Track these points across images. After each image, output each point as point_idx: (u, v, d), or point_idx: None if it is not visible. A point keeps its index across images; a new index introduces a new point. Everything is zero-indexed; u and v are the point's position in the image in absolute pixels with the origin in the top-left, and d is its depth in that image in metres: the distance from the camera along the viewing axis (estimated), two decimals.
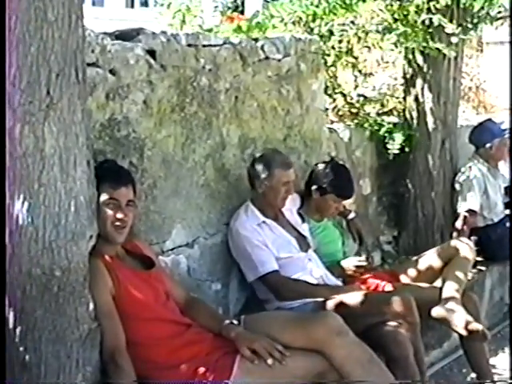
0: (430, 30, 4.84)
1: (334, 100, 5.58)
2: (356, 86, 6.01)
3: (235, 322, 2.93)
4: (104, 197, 2.69)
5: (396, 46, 5.00)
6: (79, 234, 2.38)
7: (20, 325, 2.37)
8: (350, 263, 3.87)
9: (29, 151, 2.25)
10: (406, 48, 4.97)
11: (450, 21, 4.82)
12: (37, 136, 2.25)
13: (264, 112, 4.05)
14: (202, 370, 2.72)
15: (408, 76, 5.39)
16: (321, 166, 4.08)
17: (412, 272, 4.12)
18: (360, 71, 6.06)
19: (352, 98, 5.79)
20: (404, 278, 4.11)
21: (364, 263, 3.85)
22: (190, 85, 3.48)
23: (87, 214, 2.41)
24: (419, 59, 5.13)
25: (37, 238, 2.31)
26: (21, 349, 2.38)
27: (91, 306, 2.52)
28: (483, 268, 5.02)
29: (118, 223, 2.73)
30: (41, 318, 2.37)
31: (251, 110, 3.94)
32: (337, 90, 5.61)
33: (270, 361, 2.71)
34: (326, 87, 5.04)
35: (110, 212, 2.71)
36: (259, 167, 3.67)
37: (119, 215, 2.72)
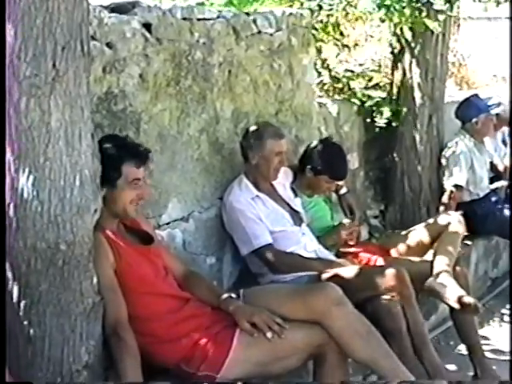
0: (418, 5, 4.84)
1: (320, 74, 5.56)
2: (340, 61, 6.02)
3: (233, 295, 2.95)
4: (129, 176, 2.71)
5: (383, 21, 5.01)
6: (84, 207, 2.38)
7: (24, 299, 2.37)
8: (340, 230, 3.92)
9: (34, 124, 2.23)
10: (394, 23, 4.98)
11: None
12: (43, 109, 2.23)
13: (256, 86, 4.04)
14: (201, 343, 2.75)
15: (396, 51, 5.40)
16: (315, 145, 4.08)
17: (402, 246, 4.17)
18: (345, 46, 6.07)
19: (338, 73, 5.78)
20: (394, 252, 4.16)
21: (353, 227, 3.90)
22: (184, 58, 3.46)
23: (92, 187, 2.41)
24: (407, 35, 5.13)
25: (42, 212, 2.30)
26: (25, 323, 2.38)
27: (95, 280, 2.53)
28: (469, 242, 5.07)
29: (138, 201, 2.79)
30: (45, 292, 2.37)
31: (244, 84, 3.94)
32: (320, 65, 5.59)
33: (269, 334, 2.74)
34: (316, 62, 5.04)
35: (134, 191, 2.74)
36: (252, 138, 3.69)
37: (141, 193, 2.77)
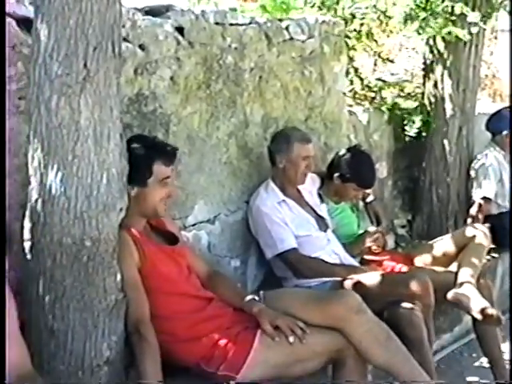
0: (453, 18, 4.82)
1: (352, 83, 5.57)
2: (374, 70, 6.01)
3: (256, 297, 2.96)
4: (159, 175, 2.76)
5: (418, 33, 4.99)
6: (110, 205, 2.40)
7: (49, 293, 2.41)
8: (365, 238, 3.91)
9: (64, 122, 2.27)
10: (428, 34, 4.96)
11: (473, 9, 4.81)
12: (73, 108, 2.26)
13: (287, 92, 4.06)
14: (222, 343, 2.76)
15: (428, 62, 5.38)
16: (344, 153, 4.09)
17: (427, 256, 4.15)
18: (379, 55, 6.07)
19: (370, 82, 5.78)
20: (418, 262, 4.14)
21: (379, 235, 3.89)
22: (216, 62, 3.50)
23: (119, 186, 2.43)
24: (440, 46, 5.11)
25: (69, 209, 2.33)
26: (49, 317, 2.42)
27: (119, 277, 2.55)
28: (495, 255, 5.02)
29: (167, 200, 2.84)
30: (70, 287, 2.41)
31: (274, 89, 3.96)
32: (353, 74, 5.59)
33: (291, 338, 2.74)
34: (348, 70, 5.04)
35: (163, 189, 2.79)
36: (279, 142, 3.71)
37: (170, 191, 2.82)
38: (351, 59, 5.51)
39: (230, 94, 3.62)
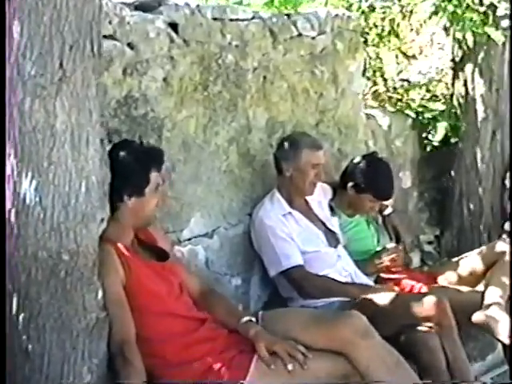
0: (482, 11, 4.86)
1: (375, 84, 5.62)
2: (400, 71, 6.06)
3: (253, 319, 3.00)
4: (155, 182, 2.87)
5: (445, 28, 5.04)
6: (89, 216, 2.47)
7: (23, 311, 2.45)
8: (382, 255, 3.95)
9: (39, 126, 2.33)
10: (456, 29, 5.00)
11: None
12: (48, 111, 2.33)
13: (295, 94, 4.13)
14: (215, 367, 2.80)
15: (457, 59, 5.40)
16: (359, 161, 4.14)
17: (451, 274, 4.18)
18: (404, 53, 6.12)
19: (395, 82, 5.83)
20: (442, 281, 4.17)
21: (397, 253, 3.92)
22: (214, 62, 3.57)
23: (99, 195, 2.50)
24: (470, 41, 5.13)
25: (44, 219, 2.39)
26: (24, 337, 2.46)
27: (100, 293, 2.61)
28: None
29: (156, 208, 2.96)
30: (46, 305, 2.45)
31: (281, 91, 4.02)
32: (378, 73, 5.65)
33: (290, 366, 2.78)
34: (365, 69, 5.09)
35: (156, 197, 2.90)
36: (286, 148, 3.77)
37: (161, 198, 2.96)
38: (378, 57, 5.57)
39: (231, 96, 3.69)
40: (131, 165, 2.76)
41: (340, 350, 2.87)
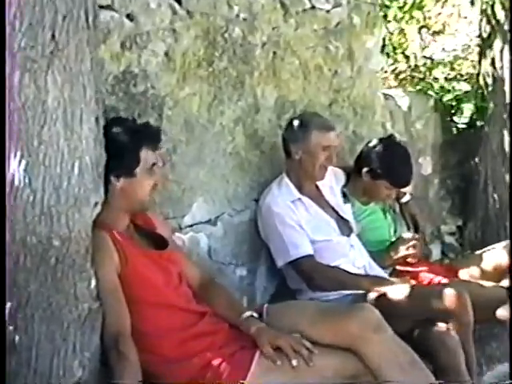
0: None
1: (395, 61, 5.62)
2: (423, 48, 6.05)
3: (255, 314, 3.00)
4: (148, 162, 2.85)
5: (472, 1, 5.03)
6: (83, 199, 2.48)
7: (10, 300, 2.46)
8: (398, 246, 3.96)
9: (29, 103, 2.34)
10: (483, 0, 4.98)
11: None
12: (38, 86, 2.34)
13: (307, 72, 4.13)
14: (215, 363, 2.81)
15: (485, 35, 5.38)
16: (375, 144, 4.15)
17: (474, 268, 4.18)
18: (428, 29, 6.10)
19: (417, 60, 5.82)
20: (464, 275, 4.18)
21: (414, 243, 3.92)
22: (220, 36, 3.57)
23: (93, 177, 2.51)
24: (499, 14, 5.10)
25: (34, 203, 2.40)
26: (10, 328, 2.47)
27: (93, 282, 2.63)
28: None
29: (153, 190, 2.93)
30: (35, 294, 2.47)
31: (292, 68, 4.03)
32: (398, 50, 5.65)
33: (294, 361, 2.78)
34: (384, 45, 5.09)
35: (151, 178, 2.89)
36: (295, 129, 3.78)
37: (157, 180, 2.93)
38: (399, 33, 5.56)
39: (237, 73, 3.70)
40: (120, 142, 2.73)
41: (349, 346, 2.87)
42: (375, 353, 2.86)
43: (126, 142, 2.78)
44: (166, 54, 3.33)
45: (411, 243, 3.97)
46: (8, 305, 2.47)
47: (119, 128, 2.80)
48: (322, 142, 3.74)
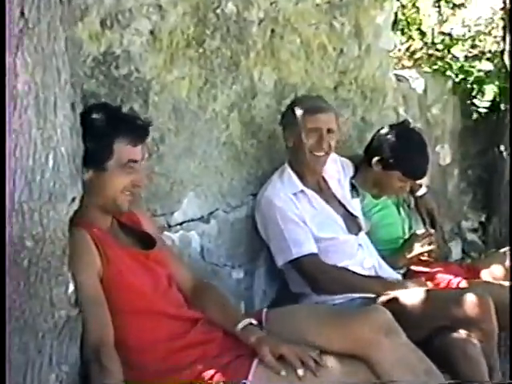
0: None
1: (409, 38, 5.62)
2: (442, 22, 6.03)
3: (254, 321, 3.00)
4: (123, 157, 2.81)
5: None
6: (58, 194, 2.46)
7: None
8: (413, 244, 3.96)
9: None
10: None
11: None
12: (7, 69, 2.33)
13: (309, 51, 4.14)
14: (207, 375, 2.80)
15: (509, 7, 5.37)
16: (387, 131, 4.15)
17: (498, 268, 4.20)
18: (446, 1, 6.10)
19: (434, 37, 5.82)
20: (487, 275, 4.19)
21: (430, 240, 3.93)
22: (211, 12, 3.57)
23: (69, 170, 2.50)
24: None
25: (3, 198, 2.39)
26: None
27: (71, 287, 2.61)
28: None
29: (132, 189, 2.88)
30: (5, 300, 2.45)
31: (292, 47, 4.04)
32: (412, 26, 5.64)
33: (300, 371, 2.78)
34: (396, 21, 5.08)
35: (128, 176, 2.84)
36: (286, 115, 3.82)
37: (136, 179, 2.87)
38: (413, 5, 5.55)
39: (231, 53, 3.70)
40: (93, 130, 2.70)
41: (359, 353, 2.86)
42: (387, 359, 2.86)
43: (99, 130, 2.75)
44: (152, 32, 3.32)
45: (427, 240, 3.97)
46: None
47: (96, 115, 2.79)
48: (307, 125, 3.74)
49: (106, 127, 2.78)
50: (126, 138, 2.82)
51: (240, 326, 2.96)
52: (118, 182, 2.83)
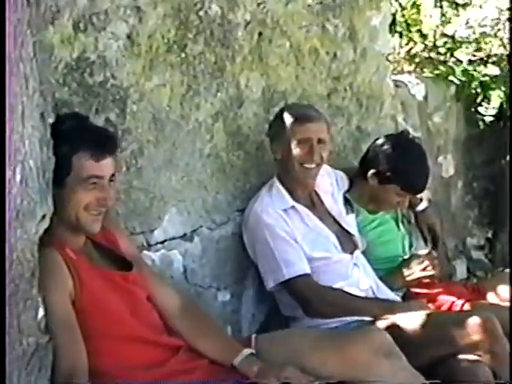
0: None
1: (409, 41, 5.63)
2: (446, 23, 6.04)
3: (253, 351, 3.01)
4: (82, 172, 2.79)
5: None
6: (26, 212, 2.45)
7: None
8: (413, 265, 3.96)
9: None
10: None
11: None
12: None
13: (300, 56, 4.15)
14: None
15: None
16: (383, 142, 4.15)
17: (504, 288, 4.19)
18: (449, 1, 6.11)
19: (436, 39, 5.83)
20: (492, 297, 4.19)
21: (431, 261, 3.93)
22: (194, 14, 3.57)
23: (38, 185, 2.49)
24: None
25: None
26: None
27: (41, 312, 2.60)
28: None
29: (98, 208, 2.84)
30: None
31: (282, 52, 4.05)
32: (413, 27, 5.65)
33: None
34: (394, 22, 5.09)
35: (89, 193, 2.81)
36: (274, 125, 3.83)
37: (102, 196, 2.83)
38: (413, 5, 5.56)
39: (216, 58, 3.71)
40: (58, 143, 2.66)
41: (355, 378, 2.89)
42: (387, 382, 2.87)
43: (60, 142, 2.70)
44: (129, 36, 3.32)
45: (428, 262, 3.97)
46: None
47: (62, 126, 2.77)
48: (296, 135, 3.74)
49: (66, 139, 2.75)
50: (86, 151, 2.79)
51: (239, 358, 2.96)
52: (78, 200, 2.80)
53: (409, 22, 5.69)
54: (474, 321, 3.41)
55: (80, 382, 2.68)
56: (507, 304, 3.97)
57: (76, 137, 2.79)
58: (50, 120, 2.62)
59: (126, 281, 2.98)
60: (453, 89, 5.33)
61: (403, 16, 5.62)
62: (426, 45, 5.76)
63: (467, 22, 6.21)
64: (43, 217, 2.55)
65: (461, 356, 3.42)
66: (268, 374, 2.87)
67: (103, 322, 2.83)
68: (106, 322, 2.84)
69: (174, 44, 3.52)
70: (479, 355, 3.41)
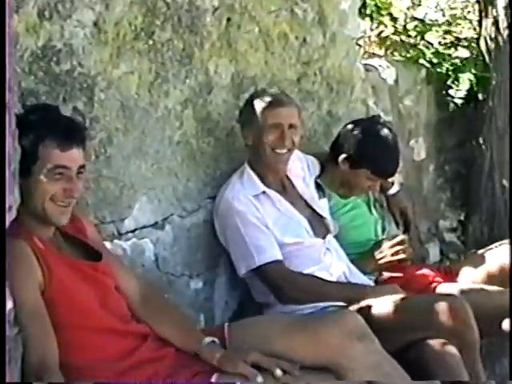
0: None
1: (380, 24, 5.62)
2: (417, 5, 6.04)
3: (216, 340, 3.00)
4: (48, 162, 2.76)
5: None
6: None
7: None
8: (383, 249, 3.99)
9: None
10: None
11: None
12: None
13: (269, 41, 4.14)
14: None
15: None
16: (354, 126, 4.16)
17: (476, 271, 4.22)
18: None
19: (406, 22, 5.83)
20: (464, 279, 4.21)
21: (402, 243, 3.94)
22: (161, 1, 3.54)
23: (4, 176, 2.48)
24: None
25: None
26: None
27: (9, 304, 2.58)
28: None
29: (65, 199, 2.81)
30: None
31: (250, 37, 4.03)
32: (383, 11, 5.65)
33: (278, 371, 2.79)
34: (364, 6, 5.09)
35: (56, 184, 2.78)
36: (244, 111, 3.84)
37: (68, 187, 2.80)
38: None
39: (184, 45, 3.68)
40: (22, 133, 2.58)
41: (331, 362, 2.89)
42: (360, 365, 2.88)
43: (26, 132, 2.66)
44: (96, 24, 3.28)
45: (399, 243, 3.97)
46: None
47: (29, 116, 2.76)
48: (267, 120, 3.74)
49: (32, 129, 2.73)
50: (53, 141, 2.76)
51: (201, 346, 2.95)
52: (44, 190, 2.77)
53: (379, 5, 5.67)
54: (442, 304, 3.41)
55: (51, 372, 2.65)
56: (481, 286, 3.99)
57: (43, 126, 2.77)
58: (16, 110, 2.59)
59: (96, 270, 2.96)
60: (423, 72, 5.35)
61: None
62: (396, 28, 5.75)
63: (437, 5, 6.23)
64: (10, 208, 2.53)
65: (430, 344, 3.43)
66: (231, 360, 2.86)
67: (73, 313, 2.81)
68: (76, 313, 2.82)
69: (142, 31, 3.48)
70: (448, 341, 3.42)
